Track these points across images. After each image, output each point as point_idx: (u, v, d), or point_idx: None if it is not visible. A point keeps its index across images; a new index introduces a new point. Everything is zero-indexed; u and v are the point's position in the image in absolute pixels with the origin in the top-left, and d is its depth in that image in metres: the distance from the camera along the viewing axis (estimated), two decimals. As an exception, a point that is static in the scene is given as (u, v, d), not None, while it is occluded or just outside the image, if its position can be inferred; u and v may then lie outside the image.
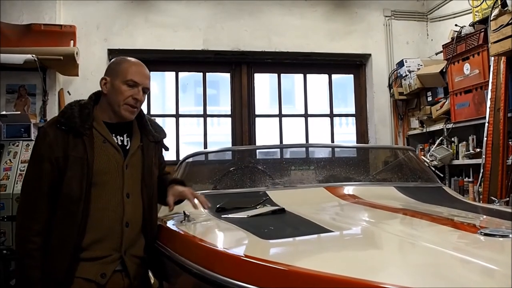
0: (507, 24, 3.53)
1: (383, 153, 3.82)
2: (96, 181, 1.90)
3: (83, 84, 4.78)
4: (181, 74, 5.61)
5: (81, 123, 1.93)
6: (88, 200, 1.88)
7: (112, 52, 5.07)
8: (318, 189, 2.65)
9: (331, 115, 5.87)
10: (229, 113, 5.63)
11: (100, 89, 2.06)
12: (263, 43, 5.41)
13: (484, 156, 3.94)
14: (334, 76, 5.94)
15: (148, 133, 2.12)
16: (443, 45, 4.71)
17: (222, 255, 1.46)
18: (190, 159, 3.13)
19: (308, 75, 5.85)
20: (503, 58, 3.82)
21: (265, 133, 5.76)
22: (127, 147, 2.03)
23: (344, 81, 6.18)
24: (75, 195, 1.87)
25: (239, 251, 1.50)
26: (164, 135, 2.26)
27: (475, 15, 4.31)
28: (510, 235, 1.36)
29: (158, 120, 5.49)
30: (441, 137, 4.78)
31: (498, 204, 2.48)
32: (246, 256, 1.37)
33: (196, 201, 2.17)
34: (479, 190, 3.96)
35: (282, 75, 5.83)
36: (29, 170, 1.97)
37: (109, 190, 1.94)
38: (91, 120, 1.96)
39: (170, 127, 5.55)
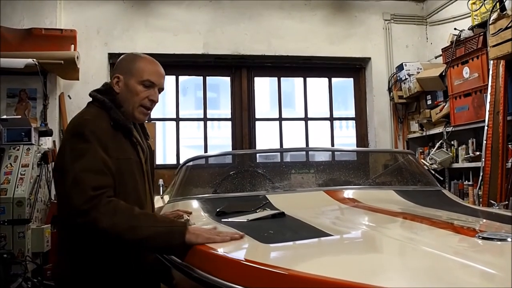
0: (506, 28, 3.54)
1: (382, 156, 3.82)
2: None
3: (84, 88, 4.77)
4: (181, 77, 5.64)
5: (128, 122, 1.82)
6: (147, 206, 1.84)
7: (112, 56, 5.09)
8: (318, 193, 2.65)
9: (331, 119, 5.88)
10: (229, 116, 5.66)
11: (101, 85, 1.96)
12: (263, 47, 5.43)
13: (483, 159, 3.95)
14: (334, 79, 5.96)
15: (145, 133, 2.07)
16: (442, 49, 4.73)
17: (222, 259, 1.46)
18: (190, 163, 3.14)
19: (308, 79, 5.87)
20: (502, 62, 3.84)
21: (265, 137, 5.77)
22: None
23: (344, 85, 6.19)
24: (143, 200, 1.80)
25: (239, 255, 1.50)
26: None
27: (474, 19, 4.33)
28: (508, 239, 1.37)
29: (159, 124, 5.52)
30: (441, 141, 4.79)
31: (498, 207, 2.49)
32: (246, 260, 1.38)
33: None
34: (479, 193, 3.97)
35: (282, 78, 5.86)
36: (83, 165, 1.63)
37: (142, 192, 1.90)
38: (130, 120, 1.86)
39: (171, 130, 5.57)
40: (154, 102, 1.89)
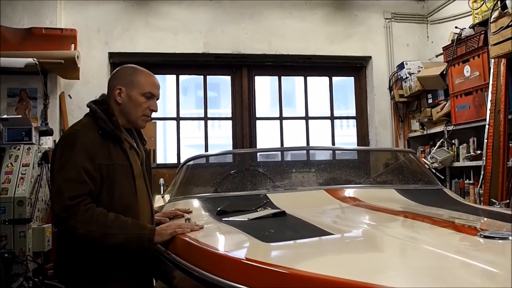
0: (507, 26, 3.53)
1: (383, 155, 3.82)
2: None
3: (84, 88, 4.79)
4: (181, 77, 5.63)
5: (117, 130, 1.96)
6: (138, 206, 1.98)
7: (112, 56, 5.08)
8: (319, 191, 2.66)
9: (332, 118, 5.87)
10: (230, 115, 5.65)
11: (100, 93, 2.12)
12: (263, 46, 5.42)
13: (484, 158, 3.94)
14: (334, 78, 5.95)
15: (141, 137, 2.22)
16: (443, 47, 4.72)
17: (223, 258, 1.46)
18: (191, 162, 3.14)
19: (308, 78, 5.86)
20: (503, 60, 3.83)
21: (266, 136, 5.77)
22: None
23: (345, 84, 6.19)
24: (129, 202, 1.94)
25: (240, 254, 1.51)
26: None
27: (475, 17, 4.31)
28: (510, 238, 1.37)
29: (159, 123, 5.52)
30: (442, 139, 4.78)
31: (499, 206, 2.48)
32: (247, 259, 1.38)
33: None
34: (480, 192, 3.96)
35: (282, 77, 5.85)
36: (65, 175, 1.82)
37: (141, 194, 2.04)
38: (120, 127, 2.02)
39: (171, 130, 5.57)
40: (154, 111, 2.09)
